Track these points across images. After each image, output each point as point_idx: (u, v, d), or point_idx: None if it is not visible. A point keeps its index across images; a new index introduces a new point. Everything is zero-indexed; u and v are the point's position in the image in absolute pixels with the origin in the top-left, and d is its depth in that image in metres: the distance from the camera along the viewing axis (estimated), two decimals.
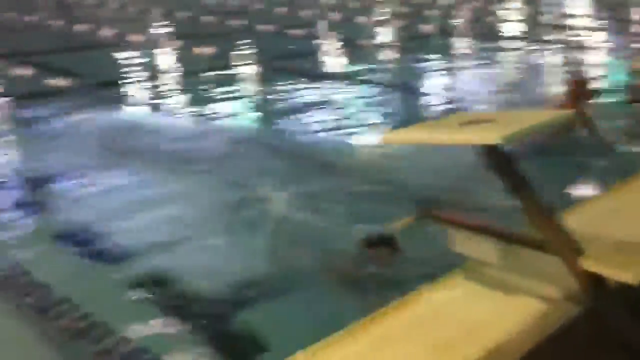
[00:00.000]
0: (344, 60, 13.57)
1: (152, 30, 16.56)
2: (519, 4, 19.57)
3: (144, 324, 3.89)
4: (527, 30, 15.80)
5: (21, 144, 8.27)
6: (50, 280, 4.40)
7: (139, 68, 13.02)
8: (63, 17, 18.96)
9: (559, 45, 13.72)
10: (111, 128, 8.62)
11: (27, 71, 11.98)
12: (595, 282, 2.79)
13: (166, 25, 16.83)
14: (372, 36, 15.53)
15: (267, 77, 11.60)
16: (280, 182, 6.22)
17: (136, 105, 10.24)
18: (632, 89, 7.91)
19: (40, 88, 10.73)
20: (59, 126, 8.69)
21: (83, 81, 11.11)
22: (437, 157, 6.04)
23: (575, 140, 6.66)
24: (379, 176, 6.36)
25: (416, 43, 14.80)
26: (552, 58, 12.83)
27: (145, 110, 10.06)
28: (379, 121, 8.36)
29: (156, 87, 11.54)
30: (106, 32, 16.23)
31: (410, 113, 8.88)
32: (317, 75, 11.56)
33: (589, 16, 15.60)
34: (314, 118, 8.79)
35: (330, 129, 8.24)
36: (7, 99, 10.54)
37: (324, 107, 9.36)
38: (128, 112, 9.80)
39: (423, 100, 9.81)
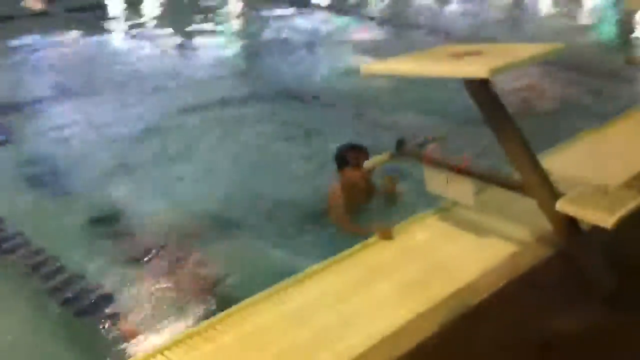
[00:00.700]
0: None
1: None
2: None
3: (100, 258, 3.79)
4: None
5: None
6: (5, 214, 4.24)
7: None
8: None
9: None
10: (83, 53, 8.32)
11: None
12: (570, 224, 2.77)
13: None
14: None
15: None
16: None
17: (110, 30, 9.82)
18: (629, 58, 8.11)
19: (15, 12, 10.26)
20: (29, 52, 8.33)
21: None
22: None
23: None
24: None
25: None
26: None
27: (119, 36, 9.67)
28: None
29: (135, 11, 11.08)
30: None
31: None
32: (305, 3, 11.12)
33: None
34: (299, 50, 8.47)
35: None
36: None
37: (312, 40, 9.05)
38: (102, 38, 9.42)
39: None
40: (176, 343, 2.52)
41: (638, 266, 2.97)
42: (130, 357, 2.82)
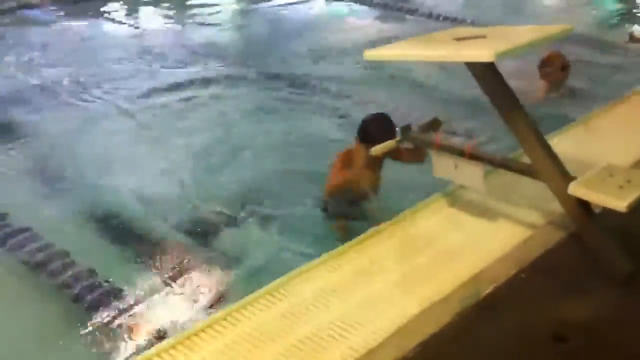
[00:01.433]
0: None
1: None
2: None
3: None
4: None
5: None
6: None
7: None
8: None
9: None
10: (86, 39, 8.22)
11: None
12: (583, 207, 2.71)
13: None
14: None
15: None
16: None
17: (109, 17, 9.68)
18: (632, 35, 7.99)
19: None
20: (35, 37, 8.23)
21: None
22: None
23: None
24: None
25: None
26: None
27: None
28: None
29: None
30: None
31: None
32: None
33: None
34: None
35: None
36: None
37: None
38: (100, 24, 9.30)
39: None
40: (181, 340, 2.46)
41: None
42: (135, 355, 2.78)
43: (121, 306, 3.25)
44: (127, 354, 2.92)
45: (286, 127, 5.34)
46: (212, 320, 2.56)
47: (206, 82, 6.47)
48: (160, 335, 2.99)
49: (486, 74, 2.59)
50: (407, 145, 3.35)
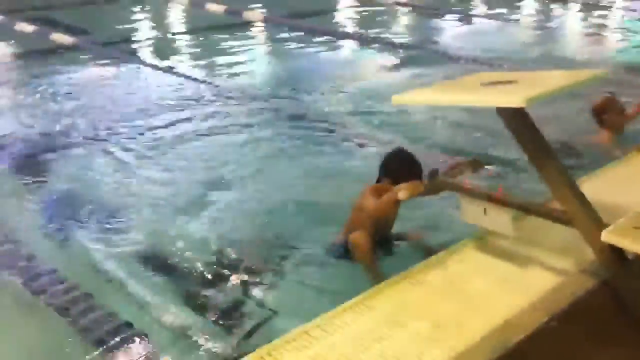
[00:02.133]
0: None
1: None
2: None
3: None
4: None
5: (27, 102, 7.94)
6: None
7: (147, 24, 12.71)
8: None
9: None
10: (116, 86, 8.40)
11: (31, 27, 11.65)
12: (616, 255, 2.65)
13: None
14: None
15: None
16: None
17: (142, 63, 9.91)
18: None
19: (46, 45, 10.45)
20: (64, 85, 8.43)
21: (89, 38, 10.81)
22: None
23: None
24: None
25: None
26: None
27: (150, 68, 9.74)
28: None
29: (165, 43, 11.18)
30: None
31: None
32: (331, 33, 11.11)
33: None
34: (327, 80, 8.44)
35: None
36: (12, 54, 10.30)
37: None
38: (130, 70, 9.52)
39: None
40: None
41: None
42: None
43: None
44: None
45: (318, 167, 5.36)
46: None
47: (235, 126, 6.50)
48: None
49: (517, 120, 2.58)
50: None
